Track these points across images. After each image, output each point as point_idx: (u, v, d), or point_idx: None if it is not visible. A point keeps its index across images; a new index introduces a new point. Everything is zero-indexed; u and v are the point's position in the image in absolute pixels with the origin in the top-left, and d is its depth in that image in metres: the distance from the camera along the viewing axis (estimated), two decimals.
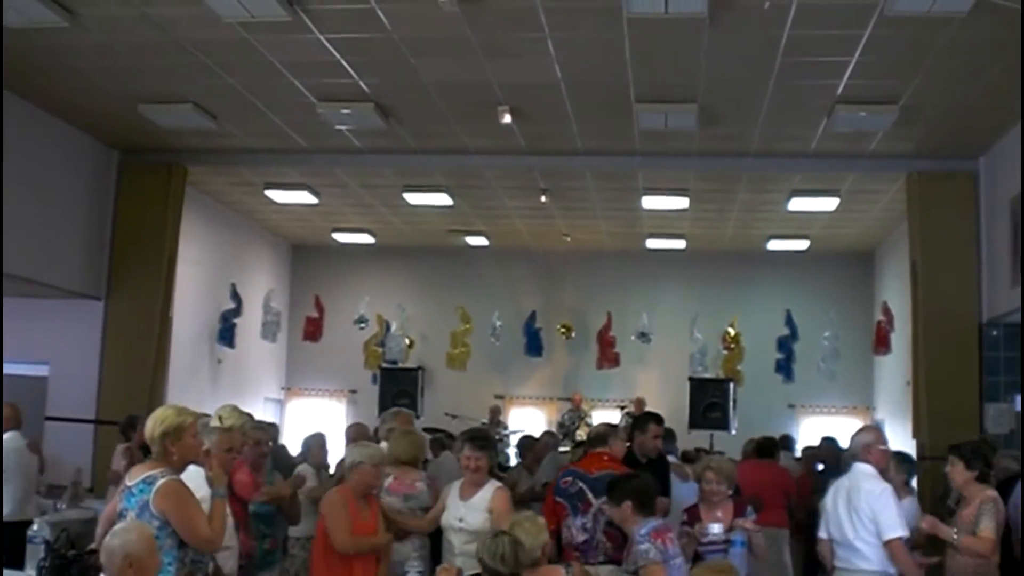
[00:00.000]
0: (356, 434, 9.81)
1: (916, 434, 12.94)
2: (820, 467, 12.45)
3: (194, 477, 6.04)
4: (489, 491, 7.05)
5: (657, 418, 8.90)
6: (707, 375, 16.56)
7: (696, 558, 6.98)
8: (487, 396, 18.74)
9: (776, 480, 11.15)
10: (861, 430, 7.49)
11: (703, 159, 13.47)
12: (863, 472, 6.98)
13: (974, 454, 7.24)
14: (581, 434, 16.96)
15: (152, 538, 5.07)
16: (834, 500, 7.03)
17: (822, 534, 7.12)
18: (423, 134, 12.89)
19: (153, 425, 5.65)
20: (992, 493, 7.07)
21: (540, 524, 5.89)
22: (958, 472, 7.14)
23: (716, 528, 7.09)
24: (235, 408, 7.52)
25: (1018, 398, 12.37)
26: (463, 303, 18.45)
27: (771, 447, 11.80)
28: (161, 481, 5.48)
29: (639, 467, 8.13)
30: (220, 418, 7.16)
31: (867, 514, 6.77)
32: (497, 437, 15.39)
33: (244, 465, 7.50)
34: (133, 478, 5.65)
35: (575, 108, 11.66)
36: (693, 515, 7.40)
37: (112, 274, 13.87)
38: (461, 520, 6.92)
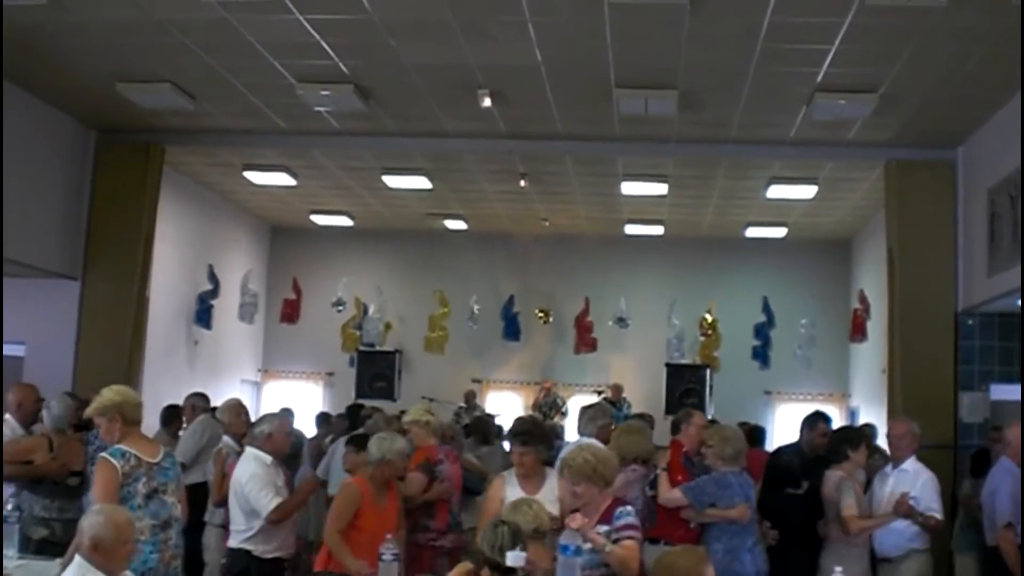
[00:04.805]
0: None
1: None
2: None
3: (255, 457, 7.12)
4: (553, 480, 6.92)
5: (825, 417, 9.04)
6: (684, 361, 16.64)
7: None
8: (464, 380, 18.76)
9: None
10: (910, 424, 8.16)
11: (682, 145, 13.46)
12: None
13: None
14: (556, 420, 16.99)
15: (125, 523, 5.08)
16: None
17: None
18: (403, 117, 12.85)
19: (133, 402, 6.13)
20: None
21: (536, 508, 5.86)
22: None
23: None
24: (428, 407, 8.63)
25: (992, 387, 12.46)
26: (441, 287, 18.46)
27: (759, 434, 11.85)
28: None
29: (809, 463, 8.33)
30: (428, 411, 8.34)
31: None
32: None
33: (455, 458, 8.30)
34: (153, 454, 6.03)
35: (555, 92, 11.64)
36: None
37: (88, 254, 13.75)
38: None
